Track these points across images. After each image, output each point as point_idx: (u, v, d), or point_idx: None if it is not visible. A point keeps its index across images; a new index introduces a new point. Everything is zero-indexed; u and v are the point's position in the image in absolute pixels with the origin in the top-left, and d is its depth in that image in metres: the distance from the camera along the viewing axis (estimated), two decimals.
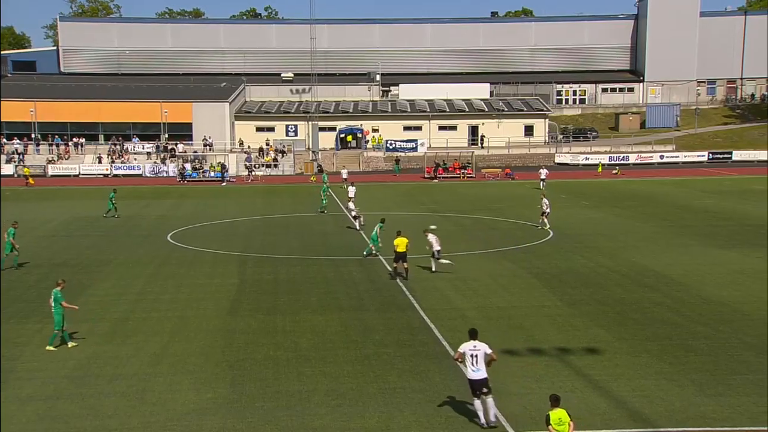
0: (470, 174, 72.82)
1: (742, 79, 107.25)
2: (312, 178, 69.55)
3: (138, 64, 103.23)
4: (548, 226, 39.51)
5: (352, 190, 46.82)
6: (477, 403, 15.26)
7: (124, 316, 23.68)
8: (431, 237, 29.35)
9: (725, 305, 24.14)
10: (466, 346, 15.44)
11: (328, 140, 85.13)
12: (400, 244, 27.92)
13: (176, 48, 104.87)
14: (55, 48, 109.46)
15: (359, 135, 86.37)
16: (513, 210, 47.61)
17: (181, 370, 18.63)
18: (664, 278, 28.06)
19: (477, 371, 15.23)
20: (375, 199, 54.75)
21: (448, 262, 29.37)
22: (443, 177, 71.57)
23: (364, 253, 32.79)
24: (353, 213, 40.56)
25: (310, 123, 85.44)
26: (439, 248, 29.21)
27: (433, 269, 29.25)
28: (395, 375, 18.08)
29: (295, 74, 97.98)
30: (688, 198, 53.17)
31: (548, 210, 39.97)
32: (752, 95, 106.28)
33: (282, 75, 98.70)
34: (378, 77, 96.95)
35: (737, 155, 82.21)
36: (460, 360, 15.72)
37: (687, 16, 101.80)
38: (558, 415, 12.82)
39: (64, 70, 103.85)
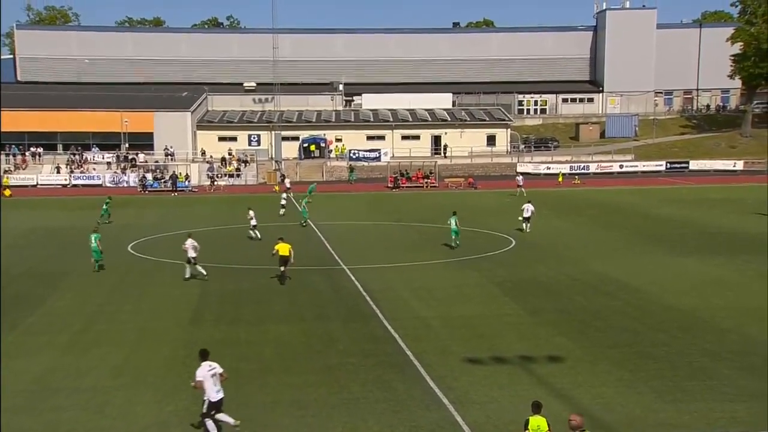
0: (433, 183, 73.14)
1: (697, 90, 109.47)
2: (275, 188, 69.20)
3: (98, 73, 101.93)
4: (525, 230, 41.55)
5: (284, 199, 52.36)
6: (210, 424, 14.90)
7: (84, 328, 23.31)
8: (188, 243, 29.86)
9: (684, 312, 24.54)
10: (203, 369, 15.03)
11: (291, 150, 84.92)
12: (282, 248, 29.20)
13: (137, 57, 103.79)
14: (12, 56, 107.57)
15: (322, 145, 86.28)
16: (476, 219, 47.84)
17: (143, 383, 18.38)
18: (625, 286, 28.44)
19: (219, 391, 14.97)
20: (337, 209, 54.70)
21: (202, 271, 29.88)
22: (406, 186, 71.79)
23: (453, 246, 36.60)
24: (253, 222, 40.63)
25: (272, 132, 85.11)
26: (195, 255, 29.78)
27: (186, 276, 29.77)
28: (359, 385, 18.05)
29: (258, 84, 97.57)
30: (647, 207, 54.00)
31: (528, 215, 41.92)
32: (707, 106, 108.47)
33: (244, 84, 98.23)
34: (341, 87, 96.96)
35: (694, 165, 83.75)
36: (199, 387, 15.05)
37: (644, 29, 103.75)
38: (537, 422, 12.82)
39: (22, 79, 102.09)
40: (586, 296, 27.03)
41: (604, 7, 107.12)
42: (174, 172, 73.89)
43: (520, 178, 64.72)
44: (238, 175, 78.80)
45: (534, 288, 28.37)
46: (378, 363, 19.65)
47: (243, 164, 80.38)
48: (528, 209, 42.21)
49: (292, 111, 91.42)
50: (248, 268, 32.62)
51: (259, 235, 40.25)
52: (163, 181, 73.54)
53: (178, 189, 70.95)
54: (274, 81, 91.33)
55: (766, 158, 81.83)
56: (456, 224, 36.80)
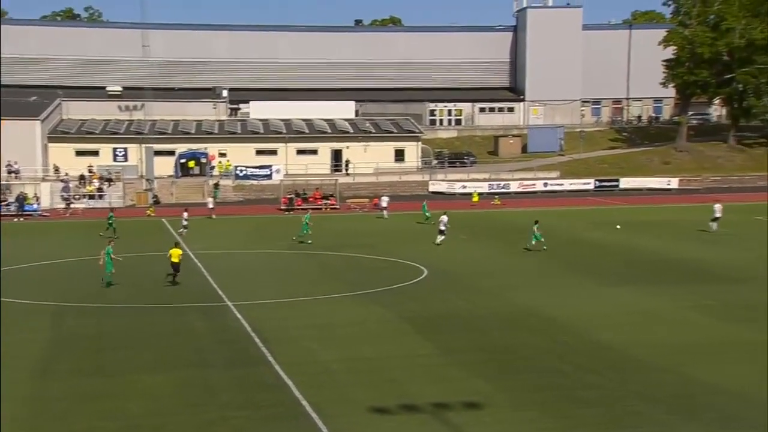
0: (334, 205, 73.23)
1: (628, 99, 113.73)
2: (149, 212, 67.66)
3: None
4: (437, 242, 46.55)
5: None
6: None
7: None
8: None
9: (615, 350, 25.23)
10: None
11: (165, 166, 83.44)
12: (174, 254, 35.76)
13: None
14: None
15: (203, 160, 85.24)
16: (384, 246, 48.09)
17: None
18: (551, 321, 29.08)
19: None
20: (222, 235, 54.00)
21: None
22: (302, 209, 71.54)
23: (544, 248, 44.40)
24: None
25: (143, 146, 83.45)
26: None
27: None
28: None
29: (124, 88, 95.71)
30: (574, 231, 55.50)
31: (443, 228, 46.96)
32: (639, 117, 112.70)
33: (108, 88, 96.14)
34: (225, 93, 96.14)
35: (624, 182, 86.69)
36: None
37: (569, 30, 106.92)
38: None
39: None
40: (507, 332, 27.49)
41: (525, 5, 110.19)
42: (21, 192, 71.46)
43: (385, 199, 65.92)
44: (100, 197, 76.75)
45: (448, 324, 28.67)
46: (268, 416, 19.42)
47: (106, 183, 78.48)
48: (443, 222, 47.17)
49: (167, 121, 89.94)
50: (111, 306, 31.78)
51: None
52: (5, 203, 71.00)
53: (25, 213, 68.64)
54: (145, 85, 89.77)
55: (702, 176, 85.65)
56: (536, 233, 44.94)
